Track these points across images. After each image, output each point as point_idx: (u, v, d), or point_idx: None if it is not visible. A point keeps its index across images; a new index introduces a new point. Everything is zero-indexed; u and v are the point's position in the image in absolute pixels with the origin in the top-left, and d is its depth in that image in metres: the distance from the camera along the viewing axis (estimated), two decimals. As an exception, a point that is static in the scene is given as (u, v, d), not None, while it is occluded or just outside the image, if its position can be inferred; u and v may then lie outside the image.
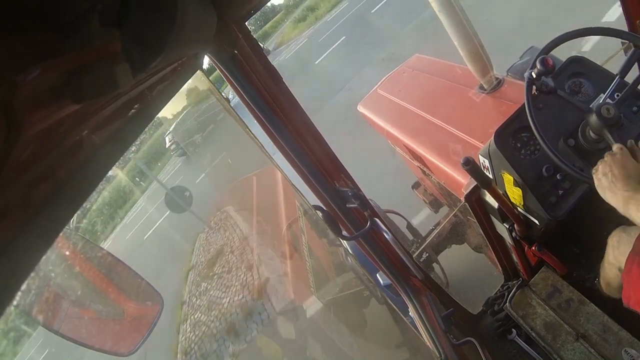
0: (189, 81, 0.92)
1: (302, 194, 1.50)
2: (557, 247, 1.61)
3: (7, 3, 0.26)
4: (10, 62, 0.26)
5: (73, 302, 1.09)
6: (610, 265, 1.31)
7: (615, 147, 1.02)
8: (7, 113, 0.25)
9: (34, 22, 0.30)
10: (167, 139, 13.53)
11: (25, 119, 0.27)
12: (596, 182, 1.02)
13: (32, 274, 0.29)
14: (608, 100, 1.19)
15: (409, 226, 2.88)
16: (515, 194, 1.36)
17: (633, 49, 1.21)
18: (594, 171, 1.04)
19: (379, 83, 2.79)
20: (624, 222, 1.25)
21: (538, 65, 1.13)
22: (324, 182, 1.33)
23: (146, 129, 0.59)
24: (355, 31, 11.19)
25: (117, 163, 0.47)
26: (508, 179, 1.35)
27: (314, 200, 1.45)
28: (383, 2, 11.27)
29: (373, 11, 11.42)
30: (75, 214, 0.37)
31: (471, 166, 1.19)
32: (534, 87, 1.16)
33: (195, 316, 5.15)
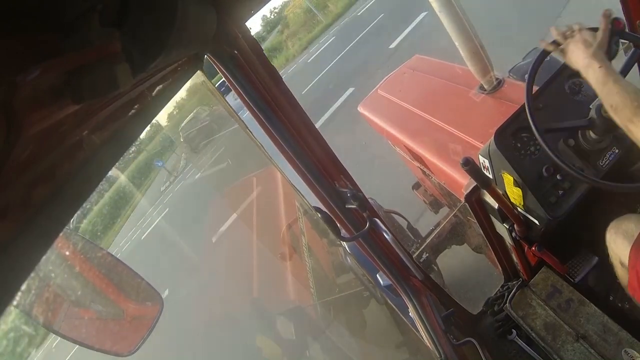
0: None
1: (302, 194, 1.50)
2: (557, 247, 1.60)
3: (7, 3, 0.26)
4: (10, 62, 0.26)
5: (73, 302, 1.09)
6: (615, 261, 1.32)
7: (577, 27, 1.17)
8: (7, 113, 0.25)
9: (34, 22, 0.30)
10: (181, 135, 11.71)
11: (25, 119, 0.27)
12: (566, 57, 1.17)
13: (32, 274, 0.29)
14: None
15: (409, 226, 2.88)
16: (515, 194, 1.36)
17: (633, 49, 1.21)
18: (564, 48, 1.17)
19: (380, 83, 2.79)
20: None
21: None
22: (323, 183, 1.33)
23: (146, 129, 0.59)
24: (370, 80, 5.86)
25: (117, 163, 0.47)
26: (508, 179, 1.35)
27: (313, 200, 1.45)
28: (403, 34, 7.17)
29: (393, 46, 7.29)
30: (75, 214, 0.37)
31: (471, 166, 1.20)
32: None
33: None
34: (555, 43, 1.20)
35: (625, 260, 1.21)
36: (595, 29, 1.17)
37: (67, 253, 1.03)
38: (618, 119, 0.99)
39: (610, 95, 1.00)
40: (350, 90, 7.00)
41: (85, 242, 1.16)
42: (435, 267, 2.50)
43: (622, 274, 1.32)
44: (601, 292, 1.62)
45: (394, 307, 2.06)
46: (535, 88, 1.29)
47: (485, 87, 2.05)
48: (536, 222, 1.37)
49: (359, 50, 8.94)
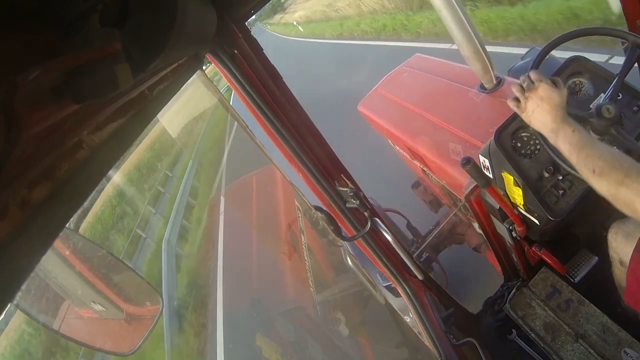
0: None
1: (302, 194, 1.50)
2: (557, 247, 1.61)
3: (7, 3, 0.26)
4: (10, 62, 0.26)
5: (73, 302, 1.10)
6: (614, 261, 1.32)
7: (534, 77, 1.03)
8: (7, 113, 0.25)
9: (34, 22, 0.30)
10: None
11: (25, 119, 0.27)
12: (526, 119, 1.06)
13: (32, 274, 0.29)
14: (608, 100, 1.19)
15: (409, 225, 2.88)
16: (515, 194, 1.36)
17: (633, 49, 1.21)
18: (521, 109, 1.06)
19: (379, 82, 2.79)
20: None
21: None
22: (324, 182, 1.34)
23: (146, 129, 0.59)
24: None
25: (116, 163, 0.47)
26: (508, 178, 1.35)
27: (314, 200, 1.45)
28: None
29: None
30: (75, 214, 0.37)
31: (471, 166, 1.19)
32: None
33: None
34: (518, 100, 1.06)
35: (625, 259, 1.22)
36: (555, 79, 1.04)
37: (67, 253, 1.03)
38: (603, 184, 0.88)
39: (590, 160, 0.90)
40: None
41: (85, 242, 1.16)
42: (438, 266, 2.51)
43: (620, 274, 1.32)
44: (601, 292, 1.62)
45: (394, 307, 2.06)
46: None
47: (486, 86, 2.05)
48: (536, 222, 1.37)
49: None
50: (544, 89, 1.01)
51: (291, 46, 18.23)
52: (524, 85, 1.04)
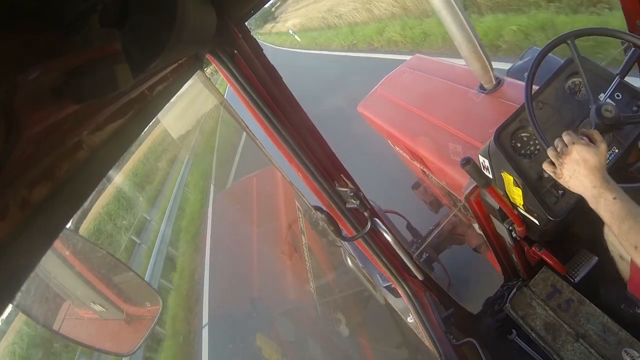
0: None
1: (302, 194, 1.50)
2: (557, 247, 1.61)
3: (7, 3, 0.26)
4: (10, 62, 0.26)
5: (73, 302, 1.10)
6: (615, 255, 1.33)
7: (567, 139, 0.99)
8: (7, 113, 0.25)
9: (34, 22, 0.30)
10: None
11: (25, 119, 0.27)
12: (565, 184, 1.01)
13: (32, 274, 0.29)
14: (608, 100, 1.19)
15: (409, 226, 2.88)
16: (515, 194, 1.36)
17: (633, 49, 1.21)
18: (557, 175, 1.02)
19: (379, 83, 2.79)
20: None
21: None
22: (324, 182, 1.34)
23: (146, 129, 0.59)
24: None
25: (116, 163, 0.47)
26: (508, 179, 1.35)
27: (314, 200, 1.45)
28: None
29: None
30: (75, 214, 0.37)
31: (471, 166, 1.19)
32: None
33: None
34: (554, 164, 1.02)
35: (625, 254, 1.22)
36: (591, 134, 0.99)
37: (67, 253, 1.03)
38: None
39: (633, 234, 0.84)
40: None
41: (85, 242, 1.16)
42: (440, 266, 2.51)
43: (624, 268, 1.33)
44: (601, 292, 1.62)
45: (394, 307, 2.07)
46: (534, 87, 1.29)
47: (485, 86, 2.05)
48: (536, 222, 1.37)
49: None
50: (578, 152, 0.95)
51: (291, 62, 14.11)
52: (558, 149, 1.00)
